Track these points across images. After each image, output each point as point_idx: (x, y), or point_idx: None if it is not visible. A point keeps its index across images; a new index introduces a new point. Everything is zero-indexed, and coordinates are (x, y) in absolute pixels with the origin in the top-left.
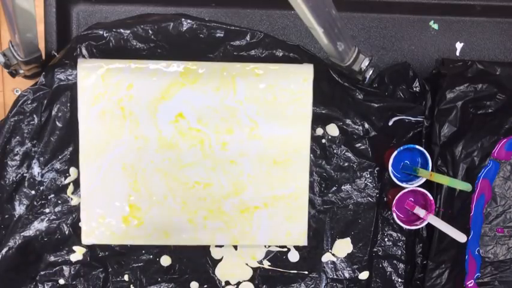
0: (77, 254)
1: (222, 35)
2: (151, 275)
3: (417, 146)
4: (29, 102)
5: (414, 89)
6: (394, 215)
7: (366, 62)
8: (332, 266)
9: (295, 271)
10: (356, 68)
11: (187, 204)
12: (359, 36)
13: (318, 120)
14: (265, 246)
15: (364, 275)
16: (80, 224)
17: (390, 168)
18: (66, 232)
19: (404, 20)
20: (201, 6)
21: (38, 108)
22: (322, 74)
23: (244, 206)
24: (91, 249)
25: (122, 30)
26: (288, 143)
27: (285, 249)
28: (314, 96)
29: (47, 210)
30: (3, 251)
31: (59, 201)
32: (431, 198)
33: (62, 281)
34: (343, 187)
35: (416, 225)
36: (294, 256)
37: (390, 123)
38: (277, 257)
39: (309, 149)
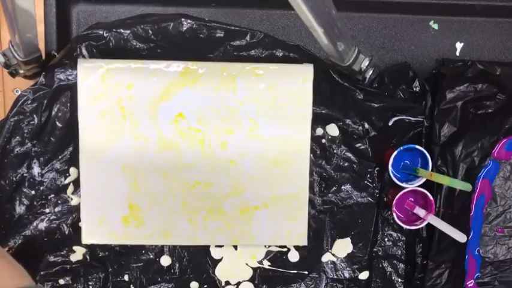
0: (77, 254)
1: (222, 35)
2: (152, 275)
3: (417, 146)
4: (29, 102)
5: (414, 89)
6: (394, 215)
7: (366, 62)
8: (332, 266)
9: (295, 271)
10: (356, 68)
11: (187, 204)
12: (359, 36)
13: (318, 120)
14: (265, 246)
15: (364, 275)
16: (80, 224)
17: (390, 168)
18: (66, 232)
19: (404, 20)
20: (201, 6)
21: (38, 108)
22: (322, 74)
23: (244, 206)
24: (91, 249)
25: (122, 30)
26: (288, 143)
27: (285, 249)
28: (314, 96)
29: (47, 210)
30: None
31: (59, 201)
32: (431, 198)
33: (62, 281)
34: (343, 187)
35: (416, 225)
36: (294, 256)
37: (390, 123)
38: (277, 257)
39: (309, 149)
